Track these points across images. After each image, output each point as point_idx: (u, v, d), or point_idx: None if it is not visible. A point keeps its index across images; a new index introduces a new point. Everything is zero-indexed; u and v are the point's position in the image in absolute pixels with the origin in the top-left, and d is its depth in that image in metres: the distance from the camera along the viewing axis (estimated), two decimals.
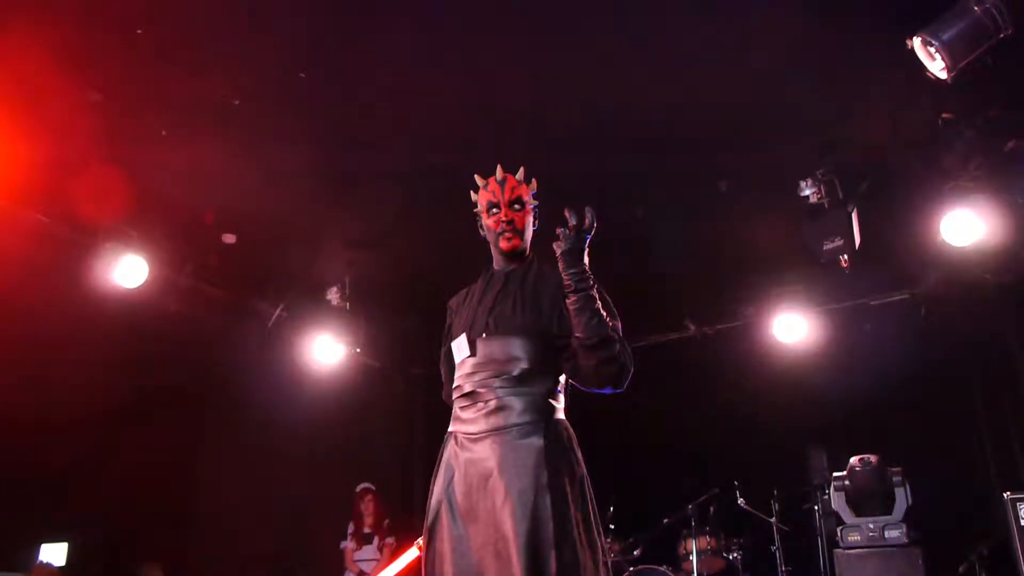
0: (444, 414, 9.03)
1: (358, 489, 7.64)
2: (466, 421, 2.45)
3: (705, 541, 6.39)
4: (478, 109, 5.13)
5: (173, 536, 9.93)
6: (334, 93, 5.01)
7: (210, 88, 4.86)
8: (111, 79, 4.74)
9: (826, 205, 5.52)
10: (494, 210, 2.69)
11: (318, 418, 8.16)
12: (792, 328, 6.91)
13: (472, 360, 2.50)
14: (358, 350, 7.73)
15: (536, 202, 2.78)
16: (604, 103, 5.05)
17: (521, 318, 2.48)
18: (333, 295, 7.26)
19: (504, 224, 2.65)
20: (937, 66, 3.98)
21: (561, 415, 2.52)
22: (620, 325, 2.50)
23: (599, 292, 2.46)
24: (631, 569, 6.25)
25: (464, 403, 2.50)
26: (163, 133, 5.16)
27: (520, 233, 2.67)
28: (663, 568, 6.18)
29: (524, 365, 2.43)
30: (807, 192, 5.57)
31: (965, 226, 5.16)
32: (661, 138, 5.28)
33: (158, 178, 5.63)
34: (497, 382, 2.42)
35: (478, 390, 2.44)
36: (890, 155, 5.44)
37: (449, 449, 2.50)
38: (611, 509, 6.60)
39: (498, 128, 5.27)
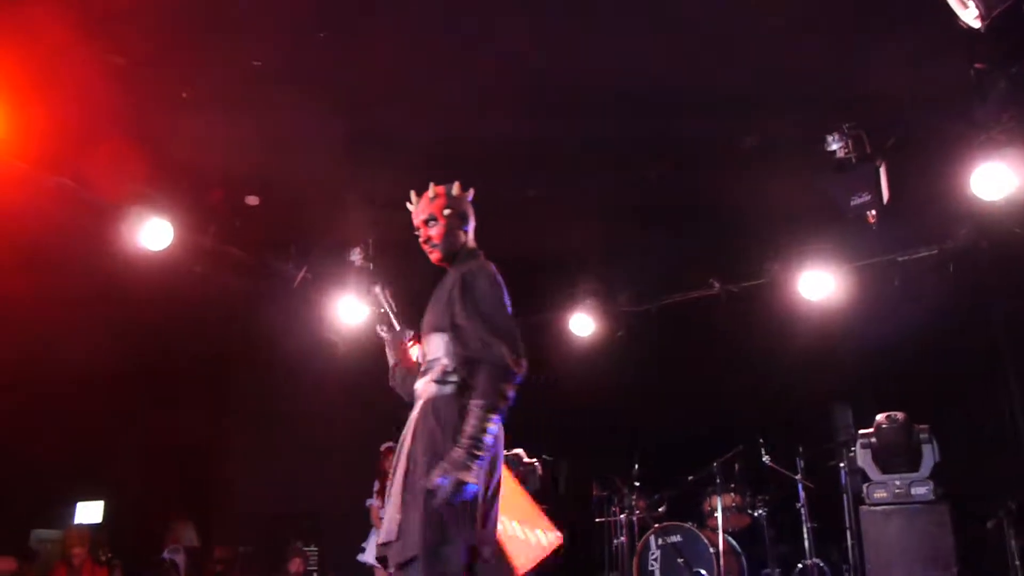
0: None
1: (382, 448, 7.71)
2: None
3: (730, 498, 6.41)
4: (502, 72, 5.08)
5: (203, 494, 10.13)
6: (354, 53, 4.96)
7: (231, 50, 4.84)
8: (133, 43, 4.72)
9: (853, 160, 5.42)
10: (416, 231, 2.99)
11: (342, 378, 8.24)
12: (818, 285, 6.84)
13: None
14: (382, 310, 7.74)
15: (451, 209, 2.96)
16: (626, 63, 4.98)
17: (429, 320, 2.83)
18: (356, 255, 7.26)
19: (423, 242, 2.96)
20: (970, 14, 3.87)
21: (449, 391, 2.69)
22: (501, 347, 2.61)
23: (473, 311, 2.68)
24: (656, 526, 6.30)
25: None
26: (183, 96, 5.15)
27: (438, 246, 2.92)
28: (688, 525, 6.22)
29: (431, 357, 2.76)
30: (834, 147, 5.47)
31: (996, 179, 5.06)
32: (686, 96, 5.21)
33: (181, 142, 5.64)
34: (420, 375, 2.82)
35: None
36: (919, 108, 5.32)
37: None
38: (636, 467, 6.63)
39: (521, 90, 5.23)
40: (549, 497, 6.78)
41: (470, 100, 5.21)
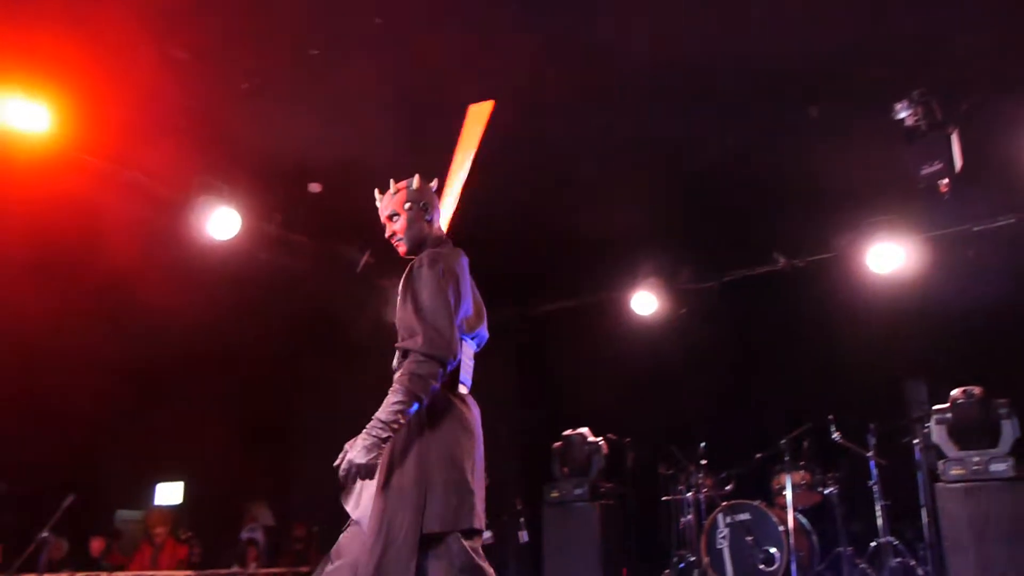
0: (532, 355, 9.12)
1: None
2: None
3: (799, 476, 6.32)
4: (560, 50, 5.04)
5: (278, 475, 10.41)
6: (409, 36, 4.99)
7: (289, 40, 4.92)
8: (194, 37, 4.83)
9: (924, 127, 5.24)
10: (385, 227, 3.04)
11: None
12: (888, 257, 6.66)
13: None
14: None
15: (412, 202, 3.01)
16: (689, 32, 4.90)
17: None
18: None
19: (388, 237, 3.01)
20: None
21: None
22: (419, 337, 2.65)
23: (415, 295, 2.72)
24: (723, 504, 6.25)
25: None
26: (244, 87, 5.26)
27: (402, 239, 2.98)
28: (756, 503, 6.16)
29: (398, 353, 2.78)
30: (903, 115, 5.30)
31: None
32: (750, 65, 5.10)
33: (244, 132, 5.77)
34: None
35: None
36: (993, 71, 5.12)
37: None
38: (702, 445, 6.58)
39: (578, 68, 5.19)
40: (615, 476, 6.79)
41: (528, 78, 5.19)
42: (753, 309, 7.48)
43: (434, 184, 3.13)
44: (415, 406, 2.60)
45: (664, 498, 6.80)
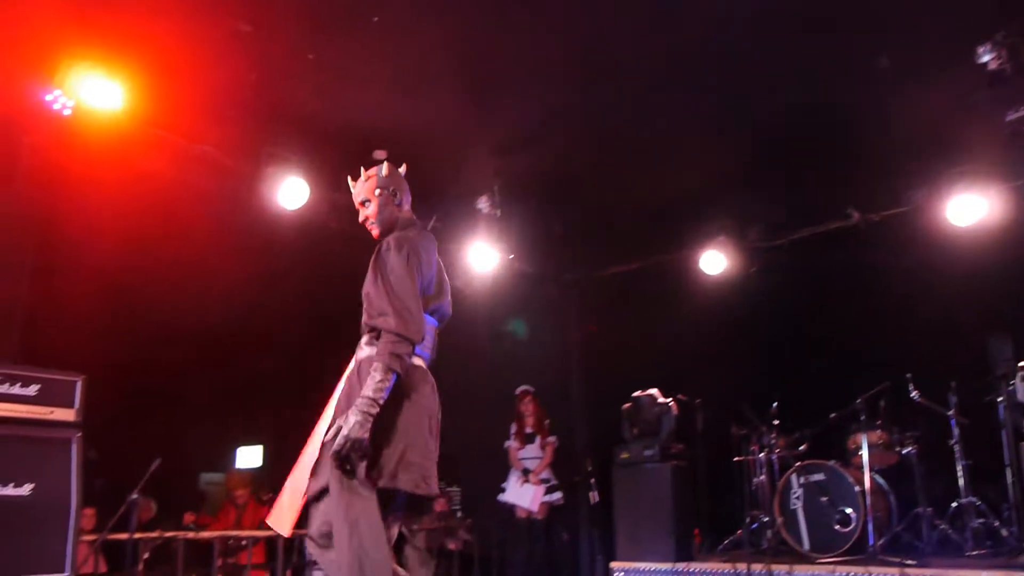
0: (596, 315, 9.10)
1: (518, 391, 7.87)
2: None
3: (876, 435, 6.19)
4: (625, 6, 4.94)
5: None
6: (472, 1, 4.95)
7: (351, 9, 4.93)
8: (259, 10, 4.88)
9: (1008, 71, 4.99)
10: (359, 213, 3.27)
11: (476, 325, 8.41)
12: (969, 209, 6.40)
13: None
14: (511, 256, 7.84)
15: (381, 188, 3.23)
16: None
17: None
18: (484, 203, 7.34)
19: (361, 222, 3.26)
20: None
21: (363, 353, 3.02)
22: (391, 319, 2.87)
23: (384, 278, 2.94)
24: (797, 464, 6.17)
25: None
26: (309, 57, 5.30)
27: (374, 223, 3.22)
28: (832, 463, 6.07)
29: (363, 324, 3.03)
30: (986, 58, 5.05)
31: None
32: (819, 12, 4.92)
33: (310, 102, 5.83)
34: None
35: None
36: None
37: None
38: (775, 405, 6.49)
39: (640, 20, 5.08)
40: (686, 437, 6.75)
41: (592, 38, 5.10)
42: (826, 266, 7.29)
43: (403, 169, 3.32)
44: (392, 384, 2.81)
45: (736, 459, 6.74)
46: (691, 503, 6.53)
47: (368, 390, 2.78)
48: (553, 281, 8.88)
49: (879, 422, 6.25)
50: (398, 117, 6.01)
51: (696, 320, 7.70)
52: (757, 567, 5.56)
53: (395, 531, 3.02)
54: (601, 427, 8.07)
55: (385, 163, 3.26)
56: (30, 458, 4.55)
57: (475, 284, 7.91)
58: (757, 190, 6.99)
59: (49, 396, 4.72)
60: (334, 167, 6.64)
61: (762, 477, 6.42)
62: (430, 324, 3.13)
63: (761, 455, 6.46)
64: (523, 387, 7.88)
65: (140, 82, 5.20)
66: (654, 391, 6.69)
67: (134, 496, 5.12)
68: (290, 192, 6.18)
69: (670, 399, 6.66)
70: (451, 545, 8.11)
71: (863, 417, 6.14)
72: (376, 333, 2.93)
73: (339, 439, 2.73)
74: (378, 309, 2.90)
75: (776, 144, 6.26)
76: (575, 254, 8.54)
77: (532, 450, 7.64)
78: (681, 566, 5.86)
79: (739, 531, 6.36)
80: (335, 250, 7.21)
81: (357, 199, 3.27)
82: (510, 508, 7.66)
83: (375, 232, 3.23)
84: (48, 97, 5.03)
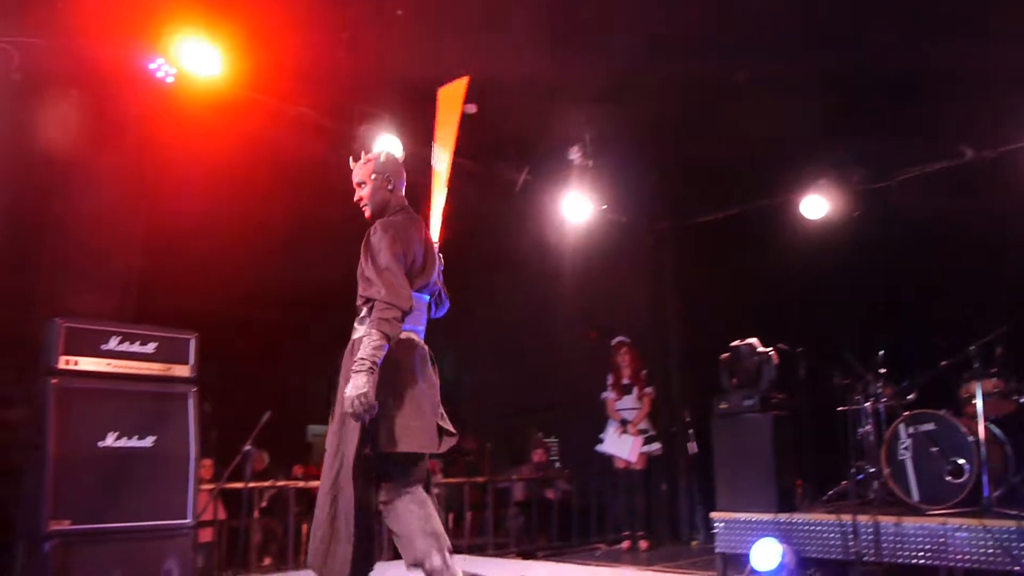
0: (694, 267, 8.94)
1: (614, 342, 7.85)
2: None
3: (991, 383, 5.92)
4: None
5: (451, 391, 10.83)
6: None
7: None
8: None
9: None
10: (355, 192, 3.52)
11: (572, 276, 8.40)
12: None
13: None
14: (605, 207, 7.77)
15: (377, 173, 3.48)
16: None
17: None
18: (575, 154, 7.28)
19: (356, 201, 3.50)
20: None
21: (359, 333, 3.29)
22: (381, 289, 3.16)
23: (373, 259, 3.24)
24: (906, 414, 5.97)
25: None
26: (398, 13, 5.31)
27: (367, 205, 3.47)
28: (942, 412, 5.85)
29: (359, 303, 3.32)
30: None
31: None
32: None
33: (400, 57, 5.85)
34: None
35: None
36: None
37: None
38: (881, 353, 6.28)
39: None
40: (787, 387, 6.61)
41: None
42: (936, 207, 6.94)
43: (401, 156, 3.64)
44: (387, 345, 3.10)
45: (840, 408, 6.57)
46: (793, 454, 6.41)
47: (363, 352, 3.08)
48: (647, 230, 8.76)
49: (994, 370, 5.97)
50: (487, 69, 5.97)
51: (796, 267, 7.49)
52: (863, 518, 5.44)
53: (420, 490, 3.31)
54: (698, 377, 7.99)
55: (384, 151, 3.61)
56: (151, 412, 4.82)
57: (568, 235, 7.90)
58: (861, 129, 6.68)
59: (166, 353, 4.97)
60: (425, 124, 6.68)
61: (867, 427, 6.24)
62: (421, 300, 3.44)
63: (866, 404, 6.27)
64: (619, 338, 7.86)
65: (237, 47, 5.32)
66: (753, 340, 6.55)
67: (247, 447, 5.36)
68: (384, 149, 6.25)
69: (770, 348, 6.51)
70: (550, 495, 8.24)
71: (977, 364, 5.88)
72: (368, 309, 3.22)
73: (347, 401, 3.04)
74: (369, 283, 3.20)
75: (881, 79, 5.96)
76: (670, 202, 8.39)
77: (629, 401, 7.64)
78: (783, 517, 5.78)
79: (843, 482, 6.22)
80: (427, 206, 7.29)
81: (354, 179, 3.51)
82: (608, 459, 7.70)
83: (367, 213, 3.49)
84: (152, 66, 5.20)
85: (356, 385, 3.03)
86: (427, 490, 3.38)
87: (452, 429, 3.39)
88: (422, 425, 3.24)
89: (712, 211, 8.36)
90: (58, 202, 5.39)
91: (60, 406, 4.47)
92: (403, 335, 3.28)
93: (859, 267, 7.26)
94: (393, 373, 3.23)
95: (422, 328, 3.48)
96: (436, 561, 3.13)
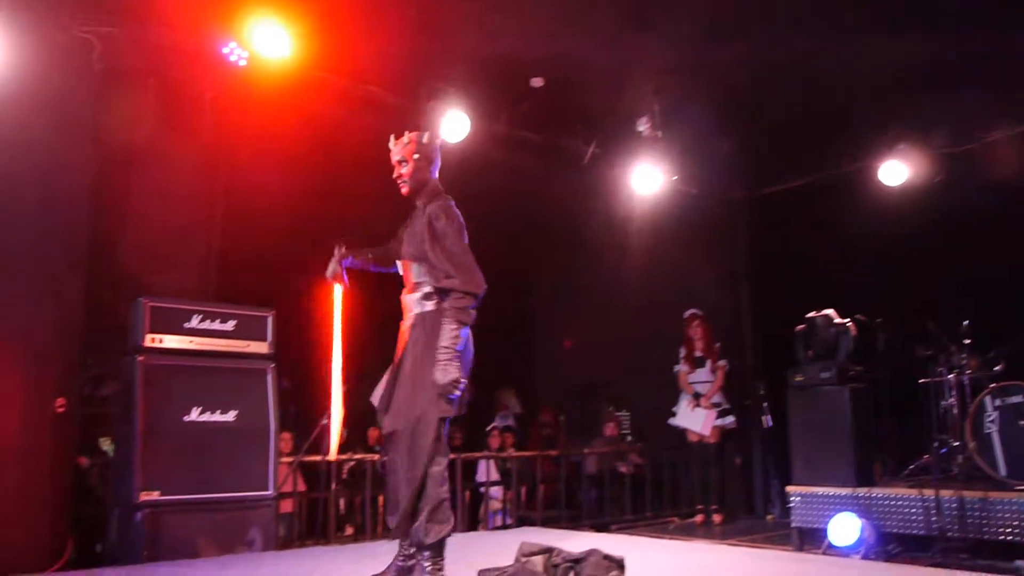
0: (767, 237, 8.75)
1: (686, 315, 7.77)
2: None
3: None
4: None
5: (521, 363, 10.91)
6: None
7: None
8: None
9: None
10: (394, 168, 3.63)
11: (642, 249, 8.33)
12: None
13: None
14: (675, 178, 7.67)
15: (420, 154, 3.60)
16: None
17: (407, 248, 3.58)
18: (644, 125, 7.18)
19: (395, 178, 3.62)
20: None
21: (430, 307, 3.47)
22: (456, 280, 3.36)
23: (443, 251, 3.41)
24: (992, 385, 5.77)
25: None
26: None
27: (407, 182, 3.60)
28: None
29: (416, 280, 3.53)
30: None
31: None
32: None
33: (466, 33, 5.85)
34: (405, 290, 3.62)
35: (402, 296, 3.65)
36: None
37: None
38: (966, 323, 6.07)
39: None
40: (865, 359, 6.45)
41: None
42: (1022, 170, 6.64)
43: (440, 140, 3.75)
44: (465, 332, 3.36)
45: (922, 380, 6.39)
46: (872, 427, 6.26)
47: (445, 340, 3.32)
48: (719, 200, 8.61)
49: None
50: (553, 42, 5.93)
51: (874, 235, 7.26)
52: (946, 493, 5.30)
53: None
54: (772, 349, 7.86)
55: (427, 132, 3.67)
56: (232, 388, 4.98)
57: (638, 208, 7.82)
58: (942, 91, 6.41)
59: (245, 330, 5.13)
60: (493, 98, 6.69)
61: (951, 399, 6.05)
62: None
63: (950, 376, 6.08)
64: (691, 310, 7.77)
65: (306, 28, 5.39)
66: (830, 311, 6.40)
67: (324, 421, 5.48)
68: (452, 125, 6.29)
69: (847, 319, 6.36)
70: (622, 468, 8.23)
71: None
72: (440, 292, 3.42)
73: (442, 386, 3.28)
74: (443, 272, 3.38)
75: (964, 36, 5.69)
76: (742, 171, 8.22)
77: (702, 374, 7.57)
78: (862, 491, 5.67)
79: (925, 456, 6.06)
80: (496, 181, 7.31)
81: (395, 157, 3.62)
82: (681, 432, 7.65)
83: (405, 190, 3.63)
84: (225, 50, 5.32)
85: (447, 372, 3.29)
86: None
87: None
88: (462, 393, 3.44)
89: (786, 180, 8.16)
90: (139, 186, 5.58)
91: (147, 382, 4.66)
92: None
93: (941, 234, 7.00)
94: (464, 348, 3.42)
95: None
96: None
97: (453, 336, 3.33)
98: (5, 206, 4.73)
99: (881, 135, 7.11)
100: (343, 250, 3.79)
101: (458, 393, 3.33)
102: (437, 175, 3.70)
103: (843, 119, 6.78)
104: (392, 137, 3.66)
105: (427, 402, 3.34)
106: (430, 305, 3.48)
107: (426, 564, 3.31)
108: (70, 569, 4.59)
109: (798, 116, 6.84)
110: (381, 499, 6.26)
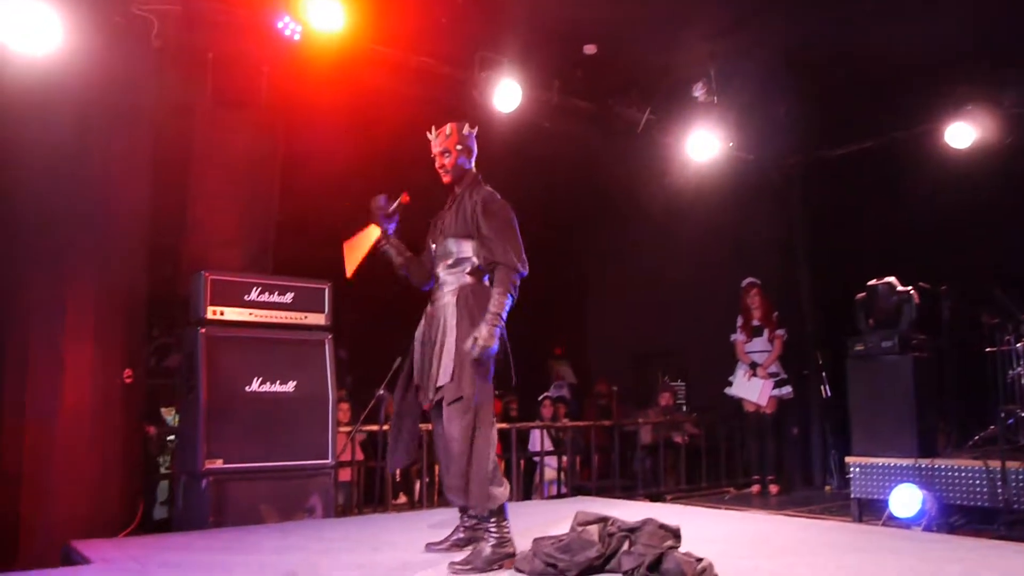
0: (826, 203, 8.55)
1: (744, 284, 7.67)
2: (433, 289, 3.82)
3: None
4: None
5: (578, 335, 10.91)
6: None
7: None
8: None
9: None
10: (434, 159, 3.79)
11: (698, 215, 8.22)
12: None
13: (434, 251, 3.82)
14: (731, 144, 7.53)
15: (462, 144, 3.75)
16: None
17: (452, 227, 3.71)
18: (699, 91, 7.06)
19: (438, 167, 3.78)
20: None
21: (471, 281, 3.65)
22: (512, 258, 3.52)
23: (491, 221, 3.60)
24: None
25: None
26: None
27: (449, 172, 3.76)
28: None
29: (460, 256, 3.68)
30: None
31: None
32: None
33: (518, 2, 5.80)
34: (441, 266, 3.75)
35: (435, 270, 3.80)
36: None
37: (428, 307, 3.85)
38: None
39: None
40: (929, 327, 6.30)
41: None
42: None
43: (475, 131, 3.83)
44: (510, 301, 3.51)
45: (988, 350, 6.21)
46: (935, 397, 6.13)
47: (494, 307, 3.47)
48: (776, 166, 8.43)
49: None
50: (606, 9, 5.85)
51: (939, 200, 7.04)
52: (1013, 465, 5.17)
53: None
54: (831, 318, 7.71)
55: (466, 123, 3.81)
56: (291, 359, 5.08)
57: (693, 176, 7.71)
58: (1013, 49, 6.16)
59: (302, 302, 5.21)
60: (545, 68, 6.63)
61: (1019, 369, 5.88)
62: None
63: (1018, 345, 5.91)
64: (749, 279, 7.67)
65: (359, 1, 5.39)
66: (892, 279, 6.25)
67: (381, 392, 5.57)
68: (504, 95, 6.26)
69: (910, 287, 6.20)
70: (677, 439, 8.20)
71: None
72: (489, 266, 3.59)
73: (480, 346, 3.40)
74: (499, 247, 3.55)
75: None
76: (799, 137, 8.03)
77: (759, 343, 7.48)
78: (924, 462, 5.56)
79: (991, 427, 5.91)
80: (548, 150, 7.28)
81: (437, 148, 3.77)
82: (737, 402, 7.59)
83: (447, 179, 3.78)
84: (279, 24, 5.36)
85: (489, 336, 3.41)
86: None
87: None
88: (504, 363, 3.60)
89: (845, 144, 7.95)
90: (197, 162, 5.68)
91: (209, 354, 4.78)
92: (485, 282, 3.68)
93: (1010, 199, 6.77)
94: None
95: None
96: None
97: (501, 303, 3.48)
98: (69, 185, 4.86)
99: (948, 96, 6.87)
100: (393, 207, 3.89)
101: (486, 357, 3.43)
102: (473, 163, 3.84)
103: (906, 80, 6.56)
104: (432, 129, 3.81)
105: (466, 372, 3.45)
106: (472, 279, 3.65)
107: (492, 529, 3.36)
108: (141, 533, 4.76)
109: (858, 78, 6.65)
110: (437, 468, 6.34)
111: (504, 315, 3.49)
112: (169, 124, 5.38)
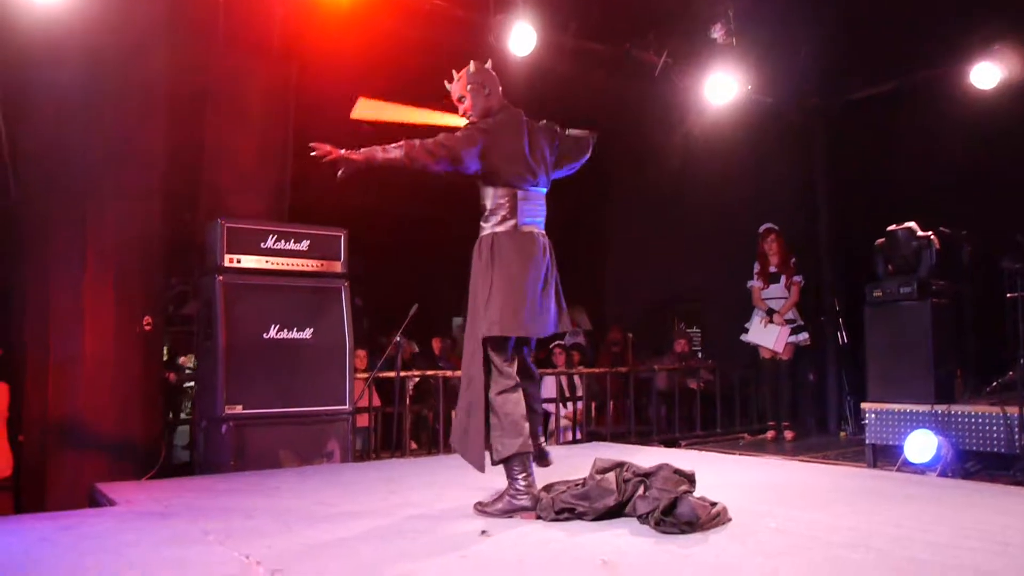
0: (845, 147, 8.39)
1: (761, 229, 7.59)
2: None
3: None
4: None
5: (591, 281, 10.89)
6: None
7: None
8: None
9: None
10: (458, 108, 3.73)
11: (715, 160, 8.13)
12: None
13: None
14: (749, 87, 7.39)
15: (472, 84, 3.65)
16: None
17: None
18: (717, 32, 6.91)
19: (462, 115, 3.70)
20: None
21: (485, 232, 3.59)
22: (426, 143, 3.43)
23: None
24: None
25: None
26: None
27: (471, 114, 3.65)
28: None
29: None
30: None
31: None
32: None
33: None
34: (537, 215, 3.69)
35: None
36: None
37: None
38: None
39: None
40: (949, 273, 6.24)
41: None
42: None
43: (489, 64, 3.73)
44: (394, 156, 3.46)
45: (1009, 295, 6.15)
46: (954, 343, 6.09)
47: (381, 148, 3.50)
48: (796, 109, 8.28)
49: None
50: None
51: (961, 143, 6.91)
52: None
53: (515, 364, 3.53)
54: (850, 265, 7.65)
55: (472, 61, 3.71)
56: (308, 306, 5.11)
57: (711, 119, 7.60)
58: None
59: (318, 250, 5.22)
60: (561, 9, 6.50)
61: None
62: (534, 193, 3.62)
63: None
64: (766, 225, 7.59)
65: None
66: (911, 224, 6.17)
67: (397, 338, 5.59)
68: (519, 38, 6.16)
69: (931, 232, 6.12)
70: (692, 385, 8.23)
71: None
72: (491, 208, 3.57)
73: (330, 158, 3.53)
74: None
75: None
76: (819, 78, 7.87)
77: (777, 289, 7.44)
78: (941, 408, 5.55)
79: (1010, 373, 5.89)
80: (564, 94, 7.17)
81: (454, 97, 3.71)
82: (754, 349, 7.58)
83: (473, 119, 3.65)
84: None
85: (342, 153, 3.54)
86: (530, 378, 3.63)
87: (557, 320, 3.62)
88: (524, 312, 3.45)
89: (866, 86, 7.79)
90: (213, 111, 5.65)
91: (227, 301, 4.81)
92: (524, 228, 3.56)
93: None
94: (508, 266, 3.48)
95: (541, 220, 3.67)
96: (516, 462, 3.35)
97: (385, 149, 3.49)
98: (87, 133, 4.85)
99: (973, 34, 6.69)
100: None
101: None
102: (498, 94, 3.73)
103: (929, 18, 6.39)
104: (446, 82, 3.76)
105: (474, 325, 3.46)
106: (488, 226, 3.61)
107: (515, 477, 3.36)
108: (163, 477, 4.86)
109: (880, 16, 6.48)
110: (454, 414, 6.41)
111: (377, 161, 3.46)
112: (185, 70, 5.34)
